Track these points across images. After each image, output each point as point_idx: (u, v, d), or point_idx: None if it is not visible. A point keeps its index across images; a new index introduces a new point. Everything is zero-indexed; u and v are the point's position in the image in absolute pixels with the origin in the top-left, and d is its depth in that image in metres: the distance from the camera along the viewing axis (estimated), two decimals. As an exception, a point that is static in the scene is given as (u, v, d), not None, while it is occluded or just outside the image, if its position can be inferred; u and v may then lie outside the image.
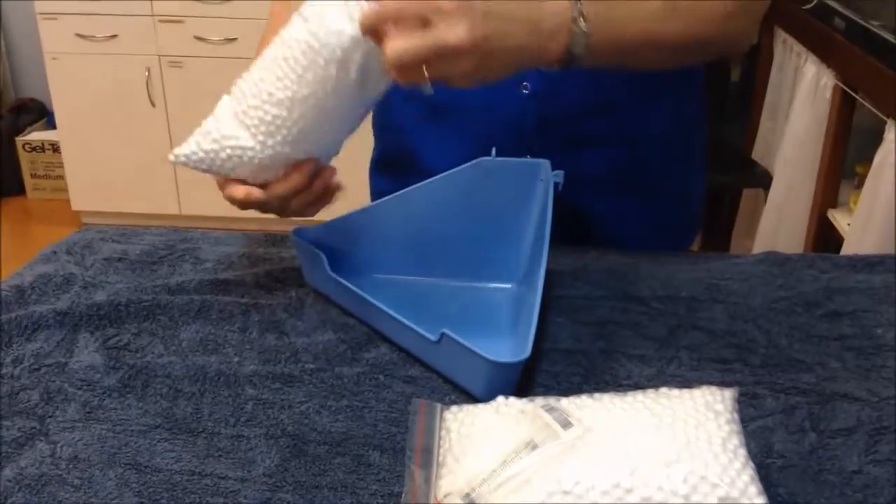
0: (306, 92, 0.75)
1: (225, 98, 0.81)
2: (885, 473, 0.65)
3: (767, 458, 0.66)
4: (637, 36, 0.79)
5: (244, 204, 0.84)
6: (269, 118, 0.77)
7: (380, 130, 1.13)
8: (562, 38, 0.74)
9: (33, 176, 3.56)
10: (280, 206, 0.84)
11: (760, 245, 2.48)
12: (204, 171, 0.83)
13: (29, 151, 3.52)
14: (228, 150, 0.80)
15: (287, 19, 0.90)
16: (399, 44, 0.68)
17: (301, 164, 0.81)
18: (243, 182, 0.82)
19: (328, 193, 0.85)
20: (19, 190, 3.58)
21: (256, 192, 0.82)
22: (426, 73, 0.69)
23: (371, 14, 0.69)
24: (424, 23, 0.67)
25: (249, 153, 0.79)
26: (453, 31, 0.67)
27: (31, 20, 3.16)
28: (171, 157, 0.83)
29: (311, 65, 0.74)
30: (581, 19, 0.74)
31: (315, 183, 0.83)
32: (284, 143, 0.78)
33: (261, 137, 0.78)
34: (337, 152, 0.85)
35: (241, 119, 0.79)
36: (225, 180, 0.83)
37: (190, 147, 0.82)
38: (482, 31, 0.68)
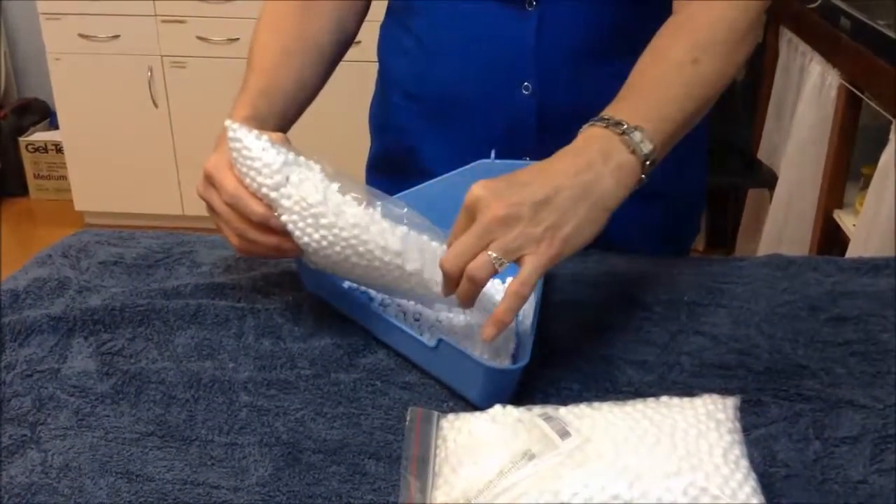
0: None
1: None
2: (890, 483, 0.64)
3: (771, 468, 0.65)
4: (682, 111, 0.80)
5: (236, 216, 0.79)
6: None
7: (378, 130, 1.12)
8: (621, 151, 0.73)
9: (36, 176, 3.56)
10: (243, 238, 0.80)
11: (766, 246, 2.46)
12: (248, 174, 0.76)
13: (32, 152, 3.51)
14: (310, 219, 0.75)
15: (286, 15, 0.90)
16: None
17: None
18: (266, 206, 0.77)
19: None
20: (22, 190, 3.57)
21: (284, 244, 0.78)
22: (495, 262, 0.68)
23: (449, 269, 0.70)
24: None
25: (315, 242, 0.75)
26: (486, 210, 0.68)
27: (33, 20, 3.16)
28: (230, 126, 0.77)
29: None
30: (623, 123, 0.74)
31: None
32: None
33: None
34: None
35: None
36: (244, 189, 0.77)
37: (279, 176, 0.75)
38: (511, 196, 0.68)
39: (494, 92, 0.96)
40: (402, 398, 0.73)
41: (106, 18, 3.03)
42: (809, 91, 2.25)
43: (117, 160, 3.19)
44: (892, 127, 1.80)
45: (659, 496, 0.54)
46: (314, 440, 0.68)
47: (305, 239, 0.75)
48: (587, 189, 0.71)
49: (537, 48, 0.93)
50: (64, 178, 3.37)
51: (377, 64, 1.11)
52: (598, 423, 0.59)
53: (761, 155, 2.68)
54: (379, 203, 0.77)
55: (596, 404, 0.62)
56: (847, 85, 2.04)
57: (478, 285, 0.69)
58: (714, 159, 1.18)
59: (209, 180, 0.80)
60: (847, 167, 2.13)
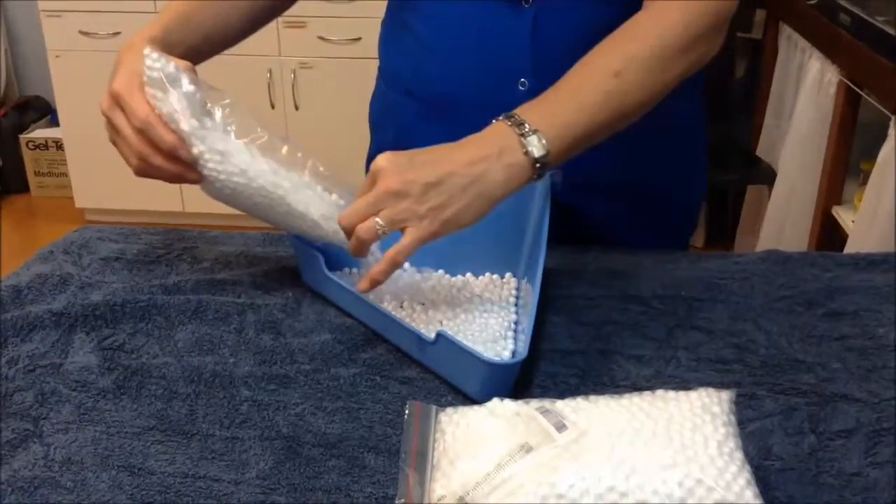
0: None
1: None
2: (884, 476, 0.64)
3: (766, 461, 0.65)
4: (590, 121, 0.81)
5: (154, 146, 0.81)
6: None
7: (377, 126, 1.13)
8: (516, 151, 0.77)
9: (37, 173, 3.56)
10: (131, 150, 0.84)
11: (764, 242, 2.47)
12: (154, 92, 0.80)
13: (32, 149, 3.52)
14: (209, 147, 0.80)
15: None
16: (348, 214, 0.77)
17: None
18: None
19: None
20: (23, 187, 3.58)
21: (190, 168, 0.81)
22: (379, 228, 0.75)
23: (343, 225, 0.77)
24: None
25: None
26: (383, 180, 0.75)
27: (34, 17, 3.16)
28: (149, 55, 0.80)
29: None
30: (525, 125, 0.78)
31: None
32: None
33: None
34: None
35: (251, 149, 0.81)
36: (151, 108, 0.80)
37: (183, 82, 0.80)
38: (408, 172, 0.75)
39: (491, 89, 0.97)
40: (401, 392, 0.74)
41: (106, 15, 3.03)
42: (808, 87, 2.25)
43: (118, 157, 3.16)
44: (891, 123, 1.80)
45: (654, 488, 0.54)
46: (314, 434, 0.69)
47: (215, 174, 0.80)
48: (476, 179, 0.76)
49: (533, 44, 0.93)
50: (64, 175, 3.38)
51: (377, 61, 1.11)
52: (594, 416, 0.60)
53: (760, 151, 2.68)
54: (285, 147, 0.83)
55: (593, 398, 0.62)
56: (846, 81, 2.05)
57: (364, 244, 0.76)
58: (713, 156, 1.18)
59: (117, 100, 0.82)
60: (846, 164, 2.13)
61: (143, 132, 0.80)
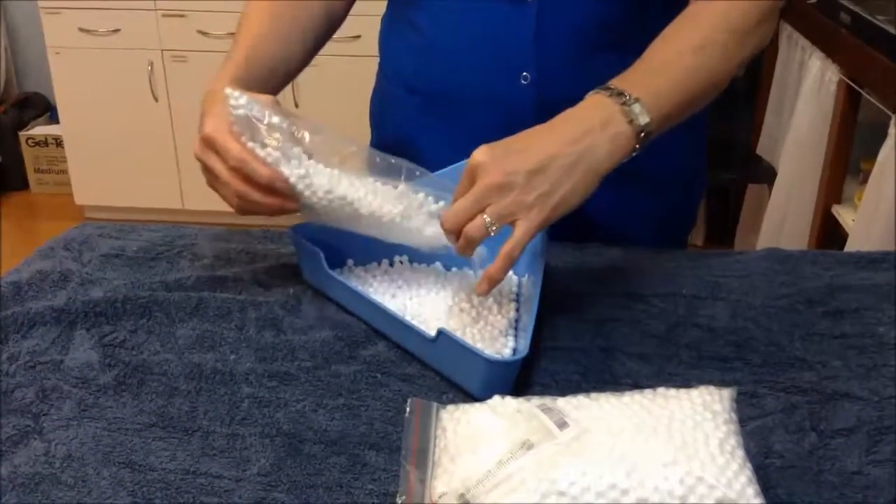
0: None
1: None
2: (885, 474, 0.64)
3: (766, 459, 0.65)
4: (682, 92, 0.82)
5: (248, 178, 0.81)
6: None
7: (377, 122, 1.13)
8: (619, 120, 0.76)
9: (37, 171, 3.56)
10: (239, 200, 0.82)
11: (765, 241, 2.47)
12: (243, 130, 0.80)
13: (32, 146, 3.52)
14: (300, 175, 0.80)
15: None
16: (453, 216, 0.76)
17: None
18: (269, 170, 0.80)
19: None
20: (23, 185, 3.58)
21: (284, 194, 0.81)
22: (489, 226, 0.73)
23: (448, 227, 0.76)
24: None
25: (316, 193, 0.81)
26: (484, 175, 0.73)
27: (34, 14, 3.16)
28: (231, 95, 0.80)
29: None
30: (624, 94, 0.77)
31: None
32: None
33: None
34: None
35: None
36: (245, 148, 0.80)
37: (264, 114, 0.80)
38: (508, 163, 0.73)
39: (494, 83, 0.97)
40: (402, 390, 0.74)
41: (106, 12, 3.03)
42: (809, 86, 2.25)
43: (117, 154, 3.19)
44: (892, 122, 1.80)
45: (655, 485, 0.54)
46: (315, 431, 0.69)
47: (311, 198, 0.81)
48: (581, 156, 0.75)
49: (536, 38, 0.93)
50: (64, 172, 3.38)
51: (377, 58, 1.11)
52: (595, 413, 0.60)
53: (761, 150, 2.68)
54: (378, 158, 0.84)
55: (594, 395, 0.62)
56: (847, 80, 2.05)
57: (473, 244, 0.75)
58: (714, 155, 1.18)
59: (210, 145, 0.81)
60: (846, 162, 2.13)
61: (238, 171, 0.79)
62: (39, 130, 3.53)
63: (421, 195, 0.83)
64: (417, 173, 0.83)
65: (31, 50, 3.62)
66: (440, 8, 0.98)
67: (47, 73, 3.16)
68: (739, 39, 0.86)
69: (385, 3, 1.08)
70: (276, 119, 0.80)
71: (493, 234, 0.74)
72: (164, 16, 3.02)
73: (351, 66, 2.90)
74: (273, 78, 0.95)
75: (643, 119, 0.77)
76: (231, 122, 0.80)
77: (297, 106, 3.02)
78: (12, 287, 0.88)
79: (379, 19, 1.09)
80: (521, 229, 0.74)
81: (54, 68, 3.13)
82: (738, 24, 0.85)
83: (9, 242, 3.09)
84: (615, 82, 0.79)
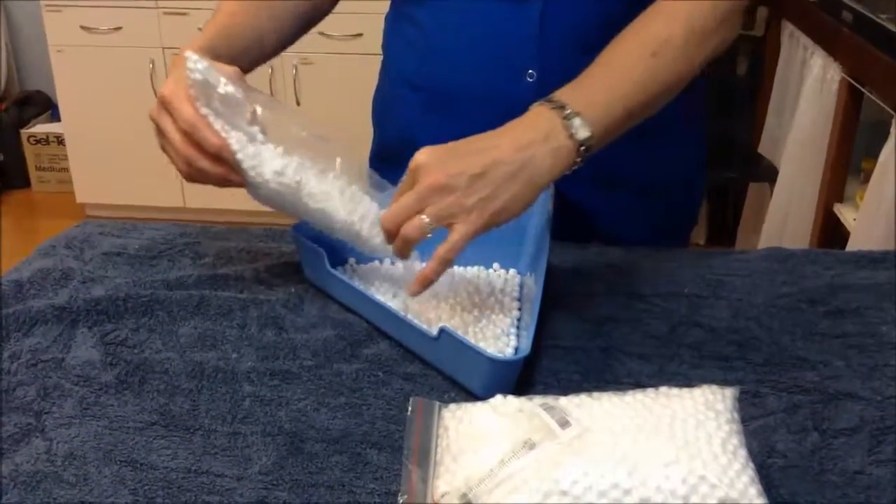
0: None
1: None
2: (888, 474, 0.64)
3: (769, 458, 0.65)
4: (630, 102, 0.81)
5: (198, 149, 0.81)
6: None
7: (379, 122, 1.13)
8: (560, 134, 0.76)
9: (38, 168, 3.56)
10: (185, 164, 0.83)
11: (766, 240, 2.46)
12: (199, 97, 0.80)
13: (34, 144, 3.52)
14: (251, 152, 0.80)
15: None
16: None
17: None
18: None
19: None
20: (24, 183, 3.58)
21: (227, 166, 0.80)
22: (426, 226, 0.73)
23: (386, 226, 0.77)
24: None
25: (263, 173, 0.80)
26: (426, 175, 0.73)
27: (35, 12, 3.16)
28: (190, 58, 0.79)
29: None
30: (566, 107, 0.77)
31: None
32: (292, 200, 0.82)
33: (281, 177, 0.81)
34: None
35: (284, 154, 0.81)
36: (195, 109, 0.80)
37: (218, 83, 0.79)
38: (452, 165, 0.73)
39: (497, 81, 0.97)
40: (404, 388, 0.74)
41: (108, 10, 3.03)
42: (811, 85, 2.25)
43: (119, 152, 3.19)
44: (894, 121, 1.80)
45: (658, 485, 0.54)
46: (316, 430, 0.69)
47: (256, 177, 0.80)
48: (524, 166, 0.75)
49: (541, 35, 0.93)
50: (65, 170, 3.38)
51: (379, 56, 1.11)
52: (597, 412, 0.60)
53: (762, 149, 2.68)
54: (338, 160, 0.83)
55: (595, 394, 0.62)
56: (848, 79, 2.04)
57: (409, 243, 0.75)
58: (715, 154, 1.18)
59: (165, 106, 0.81)
60: (848, 161, 2.13)
61: (188, 135, 0.80)
62: (41, 128, 3.53)
63: (367, 199, 0.83)
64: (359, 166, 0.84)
65: (32, 48, 3.61)
66: (443, 6, 0.98)
67: (49, 70, 3.16)
68: (699, 40, 0.85)
69: (389, 2, 1.08)
70: (231, 89, 0.79)
71: (429, 234, 0.74)
72: (165, 14, 3.01)
73: (353, 65, 2.90)
74: (245, 54, 0.95)
75: (583, 133, 0.77)
76: (189, 85, 0.79)
77: (298, 104, 3.02)
78: (14, 285, 0.88)
79: (381, 18, 1.09)
80: (458, 233, 0.74)
81: (56, 66, 3.13)
82: (699, 25, 0.84)
83: (10, 241, 3.09)
84: (561, 93, 0.79)
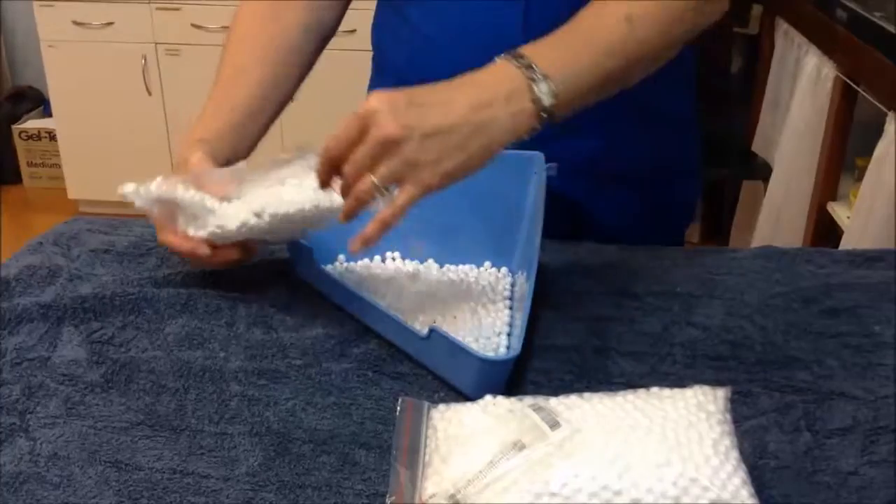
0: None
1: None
2: (881, 475, 0.63)
3: (761, 459, 0.65)
4: (600, 69, 0.78)
5: (183, 253, 0.84)
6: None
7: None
8: (523, 96, 0.73)
9: (30, 164, 3.54)
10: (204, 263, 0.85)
11: (759, 238, 2.46)
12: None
13: (25, 140, 3.50)
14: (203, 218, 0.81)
15: (255, 17, 0.90)
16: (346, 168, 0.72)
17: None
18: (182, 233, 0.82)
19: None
20: (16, 178, 3.56)
21: (202, 250, 0.81)
22: (376, 180, 0.70)
23: (321, 168, 0.73)
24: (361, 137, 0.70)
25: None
26: (378, 126, 0.69)
27: (27, 7, 3.14)
28: (128, 192, 0.82)
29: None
30: (534, 68, 0.73)
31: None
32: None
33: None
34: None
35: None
36: (166, 224, 0.83)
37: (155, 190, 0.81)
38: (406, 117, 0.69)
39: None
40: (394, 388, 0.73)
41: (100, 6, 3.01)
42: (805, 83, 2.24)
43: (111, 148, 3.17)
44: (888, 119, 1.79)
45: (649, 487, 0.53)
46: (304, 430, 0.68)
47: (238, 235, 0.81)
48: (481, 128, 0.71)
49: (525, 34, 0.93)
50: (57, 166, 3.36)
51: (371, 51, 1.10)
52: (588, 413, 0.59)
53: (756, 147, 2.68)
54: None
55: (586, 395, 0.62)
56: (843, 77, 2.04)
57: (361, 205, 0.72)
58: (709, 151, 1.17)
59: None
60: (842, 160, 2.13)
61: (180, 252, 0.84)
62: (33, 124, 3.52)
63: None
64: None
65: (24, 43, 3.59)
66: (432, 2, 0.97)
67: (41, 66, 3.15)
68: (679, 10, 0.81)
69: (377, -2, 1.07)
70: (187, 194, 0.80)
71: (381, 195, 0.70)
72: (157, 9, 3.00)
73: (346, 61, 2.89)
74: (255, 123, 0.95)
75: (547, 101, 0.73)
76: (147, 211, 0.82)
77: (292, 100, 3.00)
78: (0, 283, 0.87)
79: (371, 14, 1.08)
80: (406, 194, 0.70)
81: (48, 62, 3.11)
82: (665, 7, 0.80)
83: (1, 237, 3.07)
84: (529, 50, 0.75)
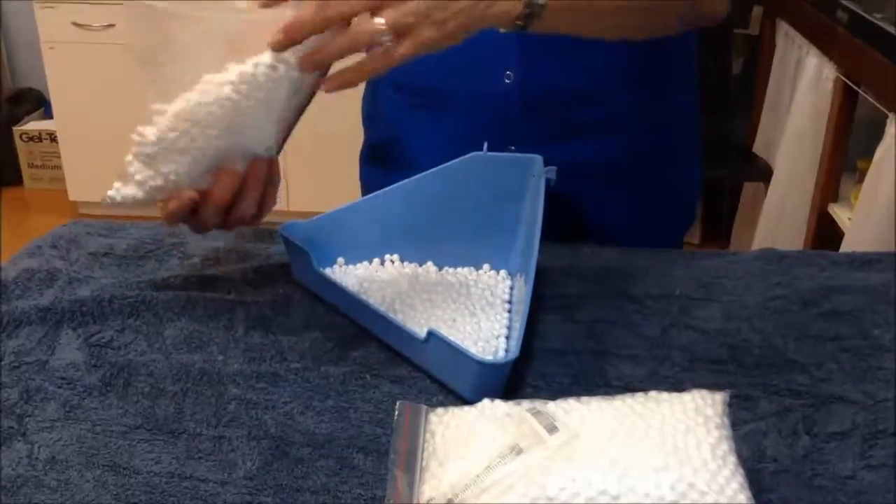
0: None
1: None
2: (879, 479, 0.63)
3: (759, 463, 0.64)
4: None
5: (177, 217, 0.79)
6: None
7: (368, 121, 1.12)
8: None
9: (30, 166, 3.55)
10: (217, 214, 0.80)
11: (760, 239, 2.46)
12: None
13: (26, 141, 3.50)
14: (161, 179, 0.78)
15: None
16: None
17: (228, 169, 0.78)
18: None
19: (267, 192, 0.80)
20: (16, 180, 3.57)
21: (188, 194, 0.77)
22: (377, 32, 0.65)
23: (287, 26, 0.67)
24: None
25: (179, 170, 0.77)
26: None
27: (28, 9, 3.14)
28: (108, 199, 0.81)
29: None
30: None
31: (249, 182, 0.79)
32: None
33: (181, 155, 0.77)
34: (273, 146, 0.81)
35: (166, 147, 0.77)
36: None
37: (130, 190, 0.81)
38: None
39: (478, 81, 0.96)
40: (392, 392, 0.73)
41: (100, 7, 3.01)
42: (805, 84, 2.24)
43: (111, 150, 3.15)
44: (888, 121, 1.79)
45: (646, 491, 0.53)
46: (302, 434, 0.68)
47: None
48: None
49: (518, 36, 0.93)
50: (58, 167, 3.36)
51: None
52: (586, 417, 0.59)
53: (757, 148, 2.68)
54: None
55: (584, 399, 0.61)
56: (843, 78, 2.04)
57: (353, 46, 0.67)
58: (710, 152, 1.17)
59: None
60: (842, 161, 2.13)
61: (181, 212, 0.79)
62: (33, 125, 3.52)
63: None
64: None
65: (25, 44, 3.60)
66: None
67: (41, 67, 3.15)
68: None
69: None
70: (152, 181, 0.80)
71: (380, 43, 0.66)
72: (158, 11, 3.00)
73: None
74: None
75: None
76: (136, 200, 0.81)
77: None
78: (-2, 286, 0.87)
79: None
80: (410, 42, 0.67)
81: (48, 63, 3.11)
82: None
83: (1, 238, 3.08)
84: None
